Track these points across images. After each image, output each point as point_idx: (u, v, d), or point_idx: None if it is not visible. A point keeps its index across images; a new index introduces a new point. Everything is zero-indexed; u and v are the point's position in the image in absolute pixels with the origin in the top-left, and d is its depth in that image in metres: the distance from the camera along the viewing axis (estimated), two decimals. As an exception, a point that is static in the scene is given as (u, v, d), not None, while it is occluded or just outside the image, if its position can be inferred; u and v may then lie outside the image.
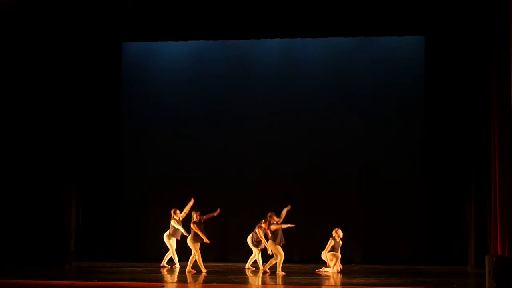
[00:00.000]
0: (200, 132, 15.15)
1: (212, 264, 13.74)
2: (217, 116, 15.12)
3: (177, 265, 13.35)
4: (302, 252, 13.30)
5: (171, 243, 13.36)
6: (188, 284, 11.75)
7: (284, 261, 13.51)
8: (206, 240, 12.67)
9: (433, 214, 14.32)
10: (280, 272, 12.58)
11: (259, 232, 12.92)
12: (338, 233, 12.93)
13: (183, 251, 13.40)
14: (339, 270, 12.93)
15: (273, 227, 12.69)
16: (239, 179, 14.99)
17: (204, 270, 12.70)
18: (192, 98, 15.24)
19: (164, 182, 15.16)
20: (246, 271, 13.11)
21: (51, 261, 13.48)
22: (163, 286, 11.13)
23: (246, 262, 13.44)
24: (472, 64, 13.45)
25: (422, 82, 14.58)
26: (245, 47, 15.02)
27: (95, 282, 11.34)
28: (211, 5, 12.96)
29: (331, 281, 12.02)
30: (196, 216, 12.79)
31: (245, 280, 11.99)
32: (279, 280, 12.00)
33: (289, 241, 13.24)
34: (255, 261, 13.29)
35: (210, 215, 13.01)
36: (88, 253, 14.69)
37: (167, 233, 13.32)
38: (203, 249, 12.94)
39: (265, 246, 12.93)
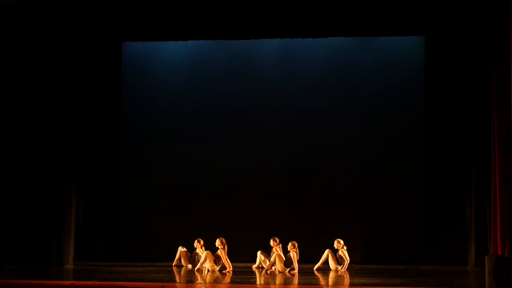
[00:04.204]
0: (200, 132, 15.15)
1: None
2: (217, 115, 15.11)
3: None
4: (302, 252, 13.28)
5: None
6: (188, 284, 11.74)
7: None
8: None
9: (433, 214, 14.32)
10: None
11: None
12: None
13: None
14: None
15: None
16: (239, 179, 14.99)
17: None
18: (192, 98, 15.25)
19: (164, 182, 15.16)
20: (255, 270, 13.12)
21: (51, 261, 13.48)
22: (163, 286, 11.13)
23: (246, 262, 13.45)
24: (472, 64, 13.43)
25: (422, 82, 14.58)
26: (245, 47, 15.02)
27: (95, 282, 11.32)
28: (211, 5, 12.96)
29: (331, 281, 12.02)
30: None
31: (245, 280, 11.98)
32: (279, 280, 12.00)
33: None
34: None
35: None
36: (88, 253, 14.68)
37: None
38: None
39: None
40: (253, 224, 14.69)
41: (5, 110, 13.51)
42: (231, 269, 12.79)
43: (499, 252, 11.44)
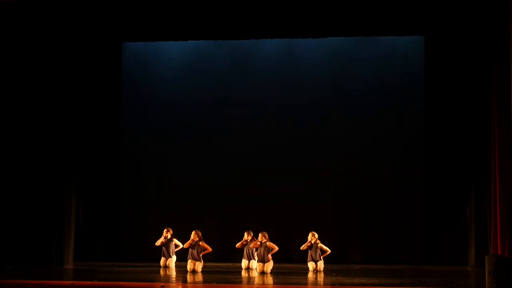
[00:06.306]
0: (200, 132, 15.15)
1: (212, 264, 13.75)
2: (217, 116, 15.12)
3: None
4: (302, 252, 13.28)
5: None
6: (188, 284, 11.75)
7: (284, 261, 13.60)
8: None
9: (433, 214, 14.32)
10: None
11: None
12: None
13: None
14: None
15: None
16: (239, 179, 14.97)
17: None
18: (192, 98, 15.24)
19: (164, 182, 15.16)
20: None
21: (51, 261, 13.48)
22: (163, 286, 11.13)
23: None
24: (472, 64, 13.44)
25: (422, 82, 14.59)
26: (245, 47, 15.02)
27: (95, 282, 11.34)
28: (211, 5, 12.96)
29: (331, 281, 12.02)
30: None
31: (245, 280, 11.99)
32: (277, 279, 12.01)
33: (289, 241, 13.21)
34: None
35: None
36: (88, 253, 14.68)
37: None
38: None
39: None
40: (253, 225, 14.65)
41: (5, 110, 13.51)
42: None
43: (499, 252, 11.44)
